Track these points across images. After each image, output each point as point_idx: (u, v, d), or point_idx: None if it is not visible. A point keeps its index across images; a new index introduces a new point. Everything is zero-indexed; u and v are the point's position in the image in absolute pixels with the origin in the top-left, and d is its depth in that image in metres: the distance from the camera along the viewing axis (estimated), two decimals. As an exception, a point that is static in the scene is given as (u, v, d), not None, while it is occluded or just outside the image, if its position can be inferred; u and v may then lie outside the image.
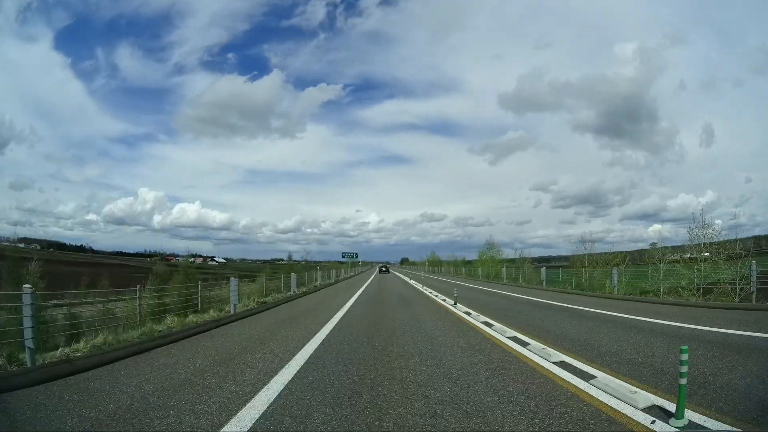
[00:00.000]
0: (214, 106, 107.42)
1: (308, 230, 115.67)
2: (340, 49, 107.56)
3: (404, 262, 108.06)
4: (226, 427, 3.07)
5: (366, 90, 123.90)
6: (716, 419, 2.99)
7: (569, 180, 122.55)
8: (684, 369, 2.98)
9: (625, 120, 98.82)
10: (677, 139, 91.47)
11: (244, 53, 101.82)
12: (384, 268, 56.05)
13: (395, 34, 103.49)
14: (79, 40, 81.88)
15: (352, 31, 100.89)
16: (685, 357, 3.02)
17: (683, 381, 2.96)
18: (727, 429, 2.83)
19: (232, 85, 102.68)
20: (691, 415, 3.04)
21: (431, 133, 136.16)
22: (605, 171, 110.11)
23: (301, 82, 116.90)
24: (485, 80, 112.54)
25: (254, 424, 3.12)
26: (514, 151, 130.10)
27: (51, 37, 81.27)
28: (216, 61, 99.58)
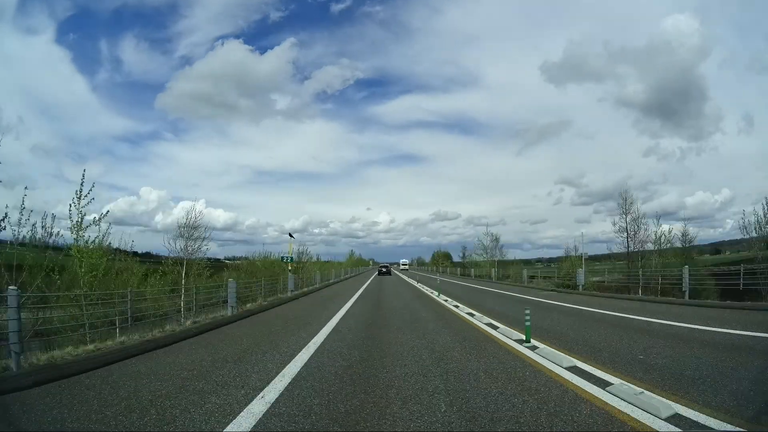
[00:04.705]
0: (210, 79, 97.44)
1: (315, 230, 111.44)
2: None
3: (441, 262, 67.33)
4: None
5: (380, 85, 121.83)
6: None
7: (598, 173, 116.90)
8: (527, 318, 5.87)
9: (673, 98, 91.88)
10: (720, 125, 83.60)
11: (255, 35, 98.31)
12: (384, 269, 50.79)
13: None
14: (82, 32, 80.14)
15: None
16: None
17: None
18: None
19: (235, 55, 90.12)
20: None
21: (448, 131, 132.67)
22: (638, 162, 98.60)
23: (313, 66, 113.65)
24: (525, 50, 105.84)
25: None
26: (546, 137, 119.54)
27: (53, 29, 79.52)
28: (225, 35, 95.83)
